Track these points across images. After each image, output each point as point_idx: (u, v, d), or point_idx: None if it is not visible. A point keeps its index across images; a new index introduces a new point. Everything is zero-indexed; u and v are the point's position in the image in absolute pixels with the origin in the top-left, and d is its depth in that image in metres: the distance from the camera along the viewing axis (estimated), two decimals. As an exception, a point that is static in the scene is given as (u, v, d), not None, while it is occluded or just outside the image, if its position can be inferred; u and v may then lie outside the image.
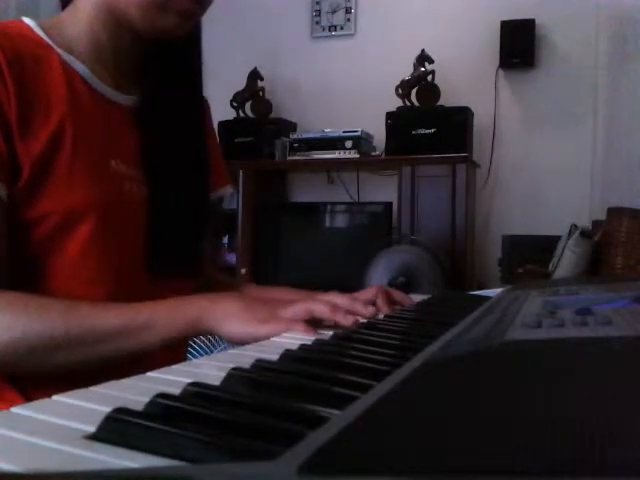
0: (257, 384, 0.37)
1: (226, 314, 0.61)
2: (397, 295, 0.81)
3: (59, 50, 0.72)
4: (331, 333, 0.56)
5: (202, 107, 0.88)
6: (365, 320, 0.62)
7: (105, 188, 0.72)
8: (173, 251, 0.79)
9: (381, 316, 0.68)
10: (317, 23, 3.74)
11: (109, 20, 0.74)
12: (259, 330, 0.59)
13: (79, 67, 0.73)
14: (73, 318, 0.61)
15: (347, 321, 0.59)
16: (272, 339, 0.55)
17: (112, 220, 0.72)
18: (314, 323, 0.60)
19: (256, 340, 0.57)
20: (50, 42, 0.72)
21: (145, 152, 0.78)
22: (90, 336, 0.61)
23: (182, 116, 0.83)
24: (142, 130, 0.78)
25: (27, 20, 0.73)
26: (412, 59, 3.20)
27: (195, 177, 0.83)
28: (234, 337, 0.60)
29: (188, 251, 0.82)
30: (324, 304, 0.61)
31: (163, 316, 0.62)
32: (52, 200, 0.68)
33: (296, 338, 0.54)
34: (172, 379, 0.39)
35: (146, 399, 0.31)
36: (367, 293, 0.77)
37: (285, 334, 0.57)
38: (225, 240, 3.61)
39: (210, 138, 0.91)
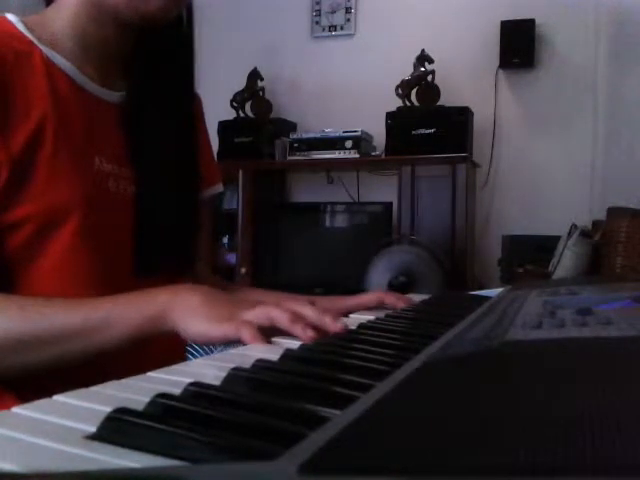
0: (257, 384, 0.37)
1: (185, 311, 0.58)
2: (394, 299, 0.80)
3: (42, 46, 0.71)
4: (287, 341, 0.52)
5: (193, 103, 0.87)
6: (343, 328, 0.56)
7: (88, 186, 0.71)
8: (161, 251, 0.78)
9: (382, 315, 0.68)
10: (317, 23, 3.74)
11: (94, 12, 0.73)
12: (212, 331, 0.55)
13: (63, 63, 0.72)
14: (30, 317, 0.60)
15: (305, 335, 0.52)
16: (272, 339, 0.55)
17: (97, 219, 0.71)
18: (276, 330, 0.56)
19: (210, 341, 0.55)
20: (32, 38, 0.71)
21: (132, 149, 0.77)
22: (46, 337, 0.59)
23: (171, 112, 0.81)
24: (129, 127, 0.77)
25: (10, 16, 0.72)
26: (412, 59, 3.20)
27: (184, 175, 0.82)
28: (189, 335, 0.57)
29: (177, 250, 0.81)
30: (285, 312, 0.55)
31: (121, 314, 0.59)
32: (33, 201, 0.67)
33: (296, 338, 0.54)
34: (172, 379, 0.39)
35: (146, 399, 0.31)
36: (364, 298, 0.76)
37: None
38: (225, 240, 3.61)
39: (201, 135, 0.90)
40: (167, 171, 0.79)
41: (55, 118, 0.69)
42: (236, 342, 0.54)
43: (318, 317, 0.56)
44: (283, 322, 0.54)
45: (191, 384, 0.34)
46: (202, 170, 0.86)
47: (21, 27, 0.71)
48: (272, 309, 0.56)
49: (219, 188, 0.94)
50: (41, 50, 0.71)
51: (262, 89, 3.62)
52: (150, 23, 0.73)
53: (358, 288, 2.56)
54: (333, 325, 0.56)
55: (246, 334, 0.53)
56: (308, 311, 0.57)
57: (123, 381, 0.38)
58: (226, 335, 0.55)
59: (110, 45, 0.77)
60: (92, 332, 0.59)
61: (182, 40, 0.83)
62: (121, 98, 0.78)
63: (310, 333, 0.53)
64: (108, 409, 0.28)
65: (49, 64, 0.71)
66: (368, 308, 0.78)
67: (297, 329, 0.53)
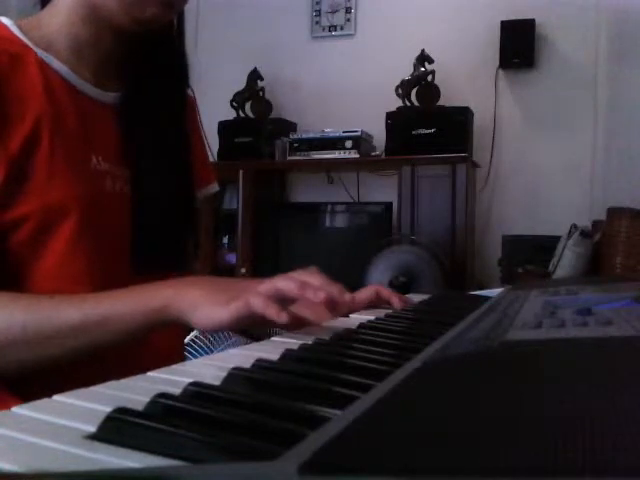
0: (257, 384, 0.37)
1: (191, 302, 0.58)
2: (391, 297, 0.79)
3: (36, 49, 0.72)
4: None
5: (186, 103, 0.87)
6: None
7: (85, 186, 0.71)
8: (158, 248, 0.78)
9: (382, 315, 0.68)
10: (317, 23, 3.74)
11: (88, 15, 0.74)
12: (222, 314, 0.55)
13: (57, 65, 0.73)
14: (33, 313, 0.60)
15: (317, 298, 0.52)
16: (272, 339, 0.55)
17: (95, 218, 0.72)
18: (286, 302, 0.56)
19: (221, 325, 0.55)
20: (27, 41, 0.71)
21: (127, 149, 0.78)
22: (48, 332, 0.60)
23: (165, 113, 0.82)
24: (124, 127, 0.78)
25: (4, 19, 0.73)
26: (412, 59, 3.20)
27: (179, 174, 0.82)
28: (200, 325, 0.57)
29: (173, 248, 0.81)
30: (292, 280, 0.55)
31: (123, 308, 0.60)
32: (32, 200, 0.67)
33: (296, 337, 0.54)
34: (172, 379, 0.39)
35: (146, 399, 0.31)
36: (364, 293, 0.76)
37: (287, 333, 0.56)
38: (225, 240, 3.61)
39: (195, 135, 0.90)
40: (161, 171, 0.80)
41: (50, 119, 0.69)
42: (245, 328, 0.54)
43: (326, 285, 0.56)
44: (292, 290, 0.54)
45: (191, 384, 0.34)
46: (196, 170, 0.86)
47: (15, 30, 0.72)
48: (278, 280, 0.56)
49: (214, 187, 0.95)
50: (35, 52, 0.71)
51: (262, 89, 3.62)
52: (144, 28, 0.74)
53: (358, 288, 2.55)
54: (341, 296, 0.56)
55: (257, 303, 0.52)
56: (315, 280, 0.57)
57: (123, 381, 0.38)
58: (236, 314, 0.54)
59: (104, 47, 0.77)
60: (94, 327, 0.60)
61: (174, 42, 0.83)
62: (116, 99, 0.79)
63: (322, 295, 0.53)
64: (108, 409, 0.28)
65: (43, 66, 0.71)
66: (369, 306, 0.78)
67: (308, 293, 0.53)
